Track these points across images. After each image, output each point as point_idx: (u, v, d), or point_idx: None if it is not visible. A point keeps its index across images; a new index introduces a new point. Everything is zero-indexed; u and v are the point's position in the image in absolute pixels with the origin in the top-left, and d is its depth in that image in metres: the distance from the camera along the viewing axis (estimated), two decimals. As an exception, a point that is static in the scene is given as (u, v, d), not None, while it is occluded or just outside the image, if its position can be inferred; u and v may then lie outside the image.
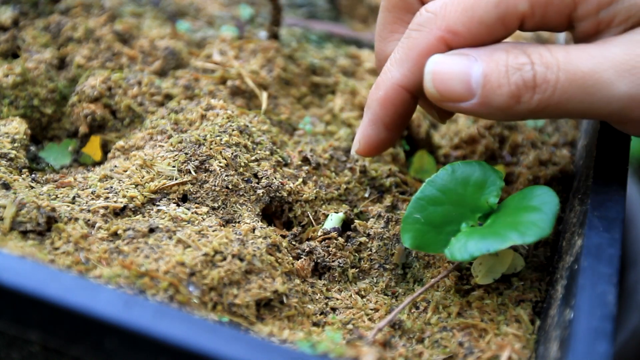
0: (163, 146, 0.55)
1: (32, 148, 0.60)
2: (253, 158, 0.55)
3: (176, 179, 0.53)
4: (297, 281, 0.50)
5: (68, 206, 0.50)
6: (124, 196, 0.51)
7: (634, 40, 0.45)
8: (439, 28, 0.47)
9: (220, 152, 0.54)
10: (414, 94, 0.50)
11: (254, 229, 0.50)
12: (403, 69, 0.49)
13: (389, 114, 0.50)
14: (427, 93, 0.47)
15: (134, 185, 0.52)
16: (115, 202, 0.51)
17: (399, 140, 0.63)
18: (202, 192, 0.53)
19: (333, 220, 0.54)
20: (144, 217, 0.50)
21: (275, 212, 0.55)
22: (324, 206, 0.56)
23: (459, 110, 0.47)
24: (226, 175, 0.53)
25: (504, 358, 0.45)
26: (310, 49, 0.71)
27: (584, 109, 0.45)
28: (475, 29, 0.46)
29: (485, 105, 0.46)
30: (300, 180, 0.56)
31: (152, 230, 0.49)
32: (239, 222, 0.52)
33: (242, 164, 0.54)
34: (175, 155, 0.54)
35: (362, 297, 0.51)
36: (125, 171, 0.53)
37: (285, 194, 0.55)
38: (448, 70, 0.46)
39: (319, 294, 0.51)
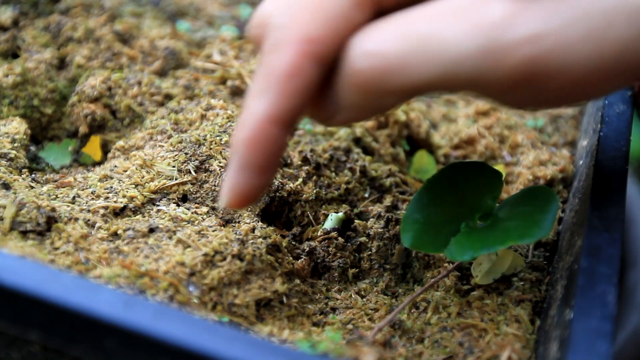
0: (163, 146, 0.55)
1: (32, 148, 0.60)
2: (253, 158, 0.55)
3: (176, 179, 0.53)
4: (297, 281, 0.50)
5: (68, 206, 0.50)
6: (124, 196, 0.51)
7: None
8: (294, 42, 0.40)
9: (220, 152, 0.54)
10: (286, 125, 0.41)
11: (254, 229, 0.51)
12: (268, 101, 0.40)
13: (259, 156, 0.41)
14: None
15: (134, 185, 0.52)
16: (115, 202, 0.51)
17: (399, 140, 0.63)
18: (202, 192, 0.53)
19: (333, 220, 0.54)
20: (144, 217, 0.50)
21: (275, 212, 0.55)
22: (324, 206, 0.56)
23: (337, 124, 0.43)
24: (226, 175, 0.53)
25: (504, 358, 0.45)
26: (310, 49, 0.71)
27: (437, 78, 0.38)
28: (334, 26, 0.40)
29: (350, 112, 0.41)
30: (300, 180, 0.56)
31: (152, 230, 0.49)
32: (239, 222, 0.52)
33: (242, 164, 0.54)
34: (175, 155, 0.54)
35: (362, 297, 0.51)
36: (125, 171, 0.53)
37: (285, 194, 0.55)
38: None
39: (319, 294, 0.51)
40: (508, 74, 0.37)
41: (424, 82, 0.38)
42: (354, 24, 0.40)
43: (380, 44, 0.38)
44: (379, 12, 0.41)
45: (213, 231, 0.49)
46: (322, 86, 0.42)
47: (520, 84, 0.38)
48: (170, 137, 0.56)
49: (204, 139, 0.54)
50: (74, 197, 0.51)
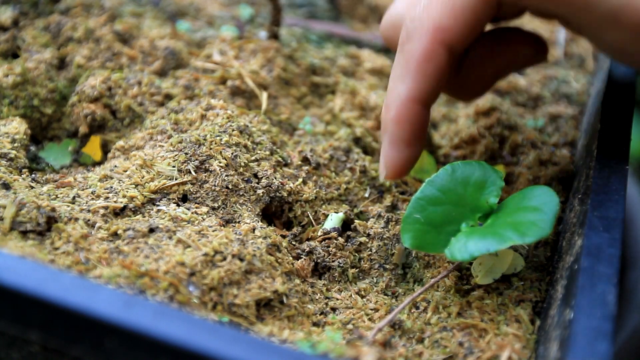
0: (163, 146, 0.55)
1: (32, 148, 0.60)
2: (253, 158, 0.55)
3: (176, 179, 0.53)
4: (297, 281, 0.50)
5: (68, 206, 0.50)
6: (124, 196, 0.51)
7: None
8: (427, 31, 0.47)
9: (220, 152, 0.54)
10: (426, 103, 0.49)
11: (254, 229, 0.50)
12: (407, 83, 0.49)
13: (407, 131, 0.50)
14: None
15: (134, 185, 0.52)
16: (115, 202, 0.51)
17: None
18: (202, 192, 0.53)
19: (333, 220, 0.54)
20: (144, 217, 0.50)
21: (275, 212, 0.55)
22: (324, 206, 0.56)
23: None
24: (226, 175, 0.53)
25: (504, 358, 0.45)
26: (310, 49, 0.71)
27: (578, 4, 0.44)
28: (461, 16, 0.47)
29: None
30: (300, 180, 0.56)
31: (152, 230, 0.49)
32: (239, 222, 0.52)
33: (242, 164, 0.54)
34: (175, 155, 0.54)
35: (362, 297, 0.51)
36: (125, 171, 0.53)
37: (285, 194, 0.55)
38: None
39: (319, 294, 0.51)
40: None
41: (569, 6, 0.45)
42: (483, 16, 0.47)
43: None
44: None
45: (213, 231, 0.49)
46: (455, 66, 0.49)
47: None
48: (170, 137, 0.56)
49: (204, 139, 0.54)
50: (74, 197, 0.51)
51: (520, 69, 0.58)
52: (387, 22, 0.54)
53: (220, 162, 0.53)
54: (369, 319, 0.49)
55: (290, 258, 0.52)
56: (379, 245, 0.54)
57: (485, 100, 0.66)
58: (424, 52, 0.48)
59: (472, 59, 0.54)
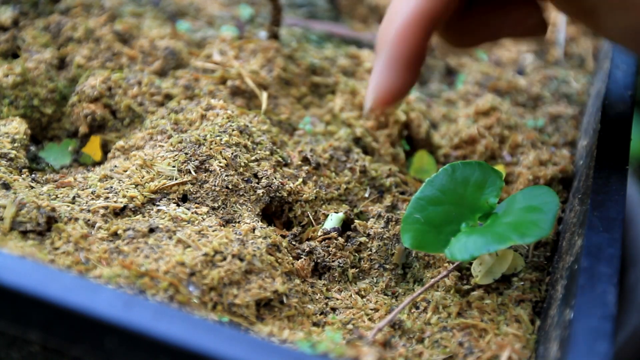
0: (163, 146, 0.55)
1: (32, 148, 0.60)
2: (253, 158, 0.55)
3: (176, 179, 0.53)
4: (297, 281, 0.50)
5: (68, 206, 0.50)
6: (124, 196, 0.51)
7: None
8: None
9: (220, 152, 0.54)
10: (432, 23, 0.45)
11: (254, 229, 0.50)
12: (412, 2, 0.44)
13: (406, 51, 0.45)
14: None
15: (134, 185, 0.52)
16: (115, 202, 0.51)
17: (399, 140, 0.63)
18: (202, 192, 0.53)
19: (333, 220, 0.54)
20: (144, 217, 0.50)
21: (275, 212, 0.55)
22: (324, 206, 0.56)
23: None
24: (226, 175, 0.53)
25: (504, 358, 0.45)
26: (310, 49, 0.71)
27: None
28: None
29: None
30: (300, 180, 0.56)
31: (152, 230, 0.49)
32: (239, 222, 0.52)
33: (242, 164, 0.54)
34: (175, 155, 0.54)
35: (362, 297, 0.51)
36: (125, 171, 0.53)
37: (285, 194, 0.55)
38: None
39: (319, 294, 0.51)
40: None
41: None
42: None
43: None
44: None
45: (213, 231, 0.49)
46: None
47: None
48: (170, 137, 0.56)
49: (204, 139, 0.54)
50: (74, 197, 0.51)
51: (518, 37, 0.54)
52: None
53: (220, 162, 0.53)
54: (369, 319, 0.49)
55: (290, 258, 0.52)
56: (379, 245, 0.54)
57: (485, 100, 0.66)
58: None
59: (478, 7, 0.51)
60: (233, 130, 0.56)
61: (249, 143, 0.56)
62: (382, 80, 0.45)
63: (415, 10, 0.44)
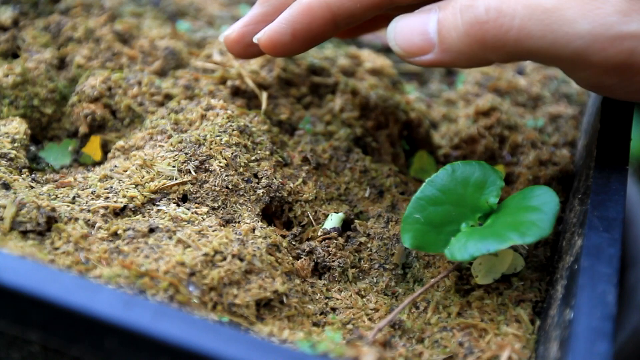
0: (163, 146, 0.55)
1: (32, 148, 0.60)
2: (253, 158, 0.55)
3: (176, 179, 0.53)
4: (297, 281, 0.50)
5: (68, 206, 0.50)
6: (124, 196, 0.51)
7: None
8: None
9: (220, 152, 0.54)
10: (338, 19, 0.49)
11: (254, 229, 0.50)
12: None
13: (305, 24, 0.49)
14: (394, 51, 0.48)
15: (134, 185, 0.52)
16: (115, 202, 0.51)
17: (399, 140, 0.63)
18: (202, 192, 0.53)
19: (333, 220, 0.54)
20: (144, 217, 0.50)
21: (275, 212, 0.55)
22: (324, 206, 0.56)
23: (426, 63, 0.47)
24: (226, 175, 0.53)
25: (504, 358, 0.45)
26: (310, 49, 0.71)
27: (545, 47, 0.44)
28: None
29: (446, 52, 0.45)
30: (300, 180, 0.56)
31: (152, 230, 0.49)
32: (239, 222, 0.52)
33: (242, 164, 0.54)
34: (175, 155, 0.54)
35: (362, 297, 0.51)
36: (125, 171, 0.53)
37: (285, 194, 0.55)
38: (408, 26, 0.47)
39: (319, 294, 0.51)
40: (608, 59, 0.43)
41: (534, 49, 0.44)
42: None
43: (508, 4, 0.44)
44: None
45: (213, 231, 0.49)
46: (412, 19, 0.47)
47: (614, 71, 0.44)
48: (170, 137, 0.56)
49: (204, 139, 0.54)
50: (74, 197, 0.51)
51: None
52: None
53: (220, 162, 0.53)
54: (369, 319, 0.49)
55: (290, 258, 0.52)
56: (379, 245, 0.54)
57: (485, 100, 0.66)
58: None
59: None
60: (233, 130, 0.56)
61: (249, 143, 0.56)
62: (275, 29, 0.50)
63: (327, 1, 0.48)
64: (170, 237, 0.48)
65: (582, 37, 0.43)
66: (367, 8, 0.49)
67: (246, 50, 0.53)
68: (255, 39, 0.52)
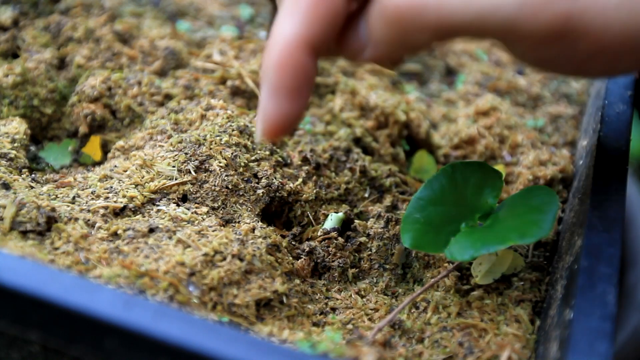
0: (163, 146, 0.55)
1: (32, 148, 0.60)
2: (253, 158, 0.55)
3: (176, 179, 0.53)
4: (297, 281, 0.50)
5: (68, 206, 0.50)
6: (124, 196, 0.51)
7: None
8: None
9: (220, 152, 0.54)
10: (314, 49, 0.42)
11: (254, 229, 0.50)
12: (295, 22, 0.41)
13: (289, 79, 0.42)
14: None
15: (134, 185, 0.52)
16: (115, 202, 0.51)
17: (399, 140, 0.63)
18: (202, 192, 0.53)
19: (333, 220, 0.54)
20: (144, 217, 0.50)
21: (275, 212, 0.55)
22: (324, 206, 0.56)
23: (367, 60, 0.44)
24: (226, 175, 0.53)
25: (504, 358, 0.45)
26: (310, 49, 0.71)
27: (469, 20, 0.39)
28: None
29: (376, 46, 0.42)
30: (300, 180, 0.56)
31: (152, 230, 0.49)
32: (239, 222, 0.52)
33: (242, 164, 0.54)
34: (175, 155, 0.54)
35: (362, 297, 0.51)
36: (125, 171, 0.53)
37: (285, 194, 0.55)
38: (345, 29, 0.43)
39: (319, 294, 0.51)
40: (542, 26, 0.39)
41: (458, 23, 0.39)
42: None
43: None
44: None
45: (213, 231, 0.49)
46: (351, 21, 0.43)
47: (552, 39, 0.39)
48: (170, 137, 0.56)
49: (204, 139, 0.54)
50: (74, 197, 0.51)
51: None
52: None
53: (220, 162, 0.53)
54: (369, 319, 0.49)
55: (290, 258, 0.52)
56: (379, 245, 0.54)
57: (485, 100, 0.66)
58: None
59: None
60: (233, 130, 0.56)
61: (248, 143, 0.56)
62: (267, 111, 0.43)
63: (296, 37, 0.41)
64: (170, 237, 0.48)
65: (507, 8, 0.38)
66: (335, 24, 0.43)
67: (283, 131, 0.44)
68: (258, 139, 0.45)
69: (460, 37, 0.42)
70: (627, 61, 0.41)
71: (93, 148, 0.59)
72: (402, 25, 0.40)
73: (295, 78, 0.42)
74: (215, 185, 0.53)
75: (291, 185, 0.55)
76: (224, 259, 0.47)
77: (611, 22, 0.39)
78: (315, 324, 0.49)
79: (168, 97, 0.61)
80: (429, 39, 0.41)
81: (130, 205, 0.51)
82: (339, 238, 0.53)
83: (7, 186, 0.51)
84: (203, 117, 0.57)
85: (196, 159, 0.53)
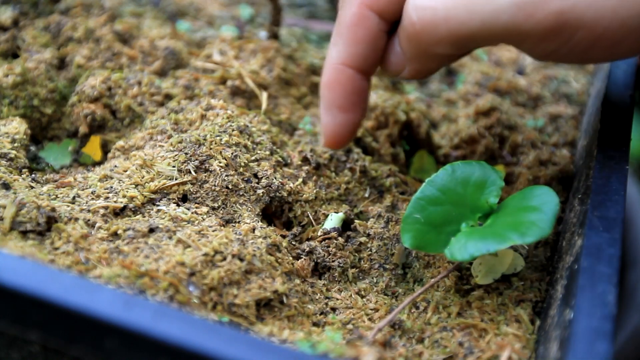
0: (163, 146, 0.55)
1: (32, 148, 0.60)
2: (253, 158, 0.55)
3: (176, 179, 0.53)
4: (297, 281, 0.50)
5: (68, 206, 0.50)
6: (124, 196, 0.51)
7: None
8: None
9: (220, 152, 0.54)
10: (359, 68, 0.50)
11: (254, 229, 0.50)
12: (339, 47, 0.49)
13: (339, 95, 0.50)
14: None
15: (134, 185, 0.52)
16: (115, 202, 0.51)
17: (399, 140, 0.63)
18: (202, 192, 0.53)
19: (333, 220, 0.54)
20: (144, 217, 0.50)
21: (275, 212, 0.55)
22: (324, 206, 0.56)
23: (407, 77, 0.50)
24: (226, 175, 0.53)
25: (504, 358, 0.45)
26: (310, 49, 0.71)
27: (477, 29, 0.44)
28: None
29: (411, 63, 0.48)
30: (300, 180, 0.56)
31: (152, 230, 0.49)
32: (239, 222, 0.52)
33: (242, 164, 0.54)
34: (175, 155, 0.54)
35: (362, 297, 0.51)
36: (125, 171, 0.53)
37: (285, 194, 0.55)
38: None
39: (319, 294, 0.51)
40: (539, 24, 0.43)
41: (467, 33, 0.44)
42: None
43: (429, 0, 0.45)
44: None
45: (213, 231, 0.49)
46: (390, 43, 0.49)
47: (550, 35, 0.43)
48: (170, 137, 0.56)
49: (204, 139, 0.54)
50: (74, 197, 0.51)
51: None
52: None
53: (220, 162, 0.53)
54: (369, 319, 0.49)
55: (290, 258, 0.52)
56: (379, 245, 0.54)
57: (485, 100, 0.66)
58: (353, 17, 0.48)
59: None
60: (233, 130, 0.56)
61: (249, 143, 0.56)
62: (325, 124, 0.50)
63: (339, 59, 0.49)
64: (170, 237, 0.48)
65: (506, 10, 0.43)
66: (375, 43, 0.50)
67: (344, 141, 0.53)
68: (322, 145, 0.53)
69: (476, 45, 0.47)
70: (627, 45, 0.44)
71: (93, 148, 0.59)
72: (422, 41, 0.46)
73: (343, 95, 0.49)
74: (215, 185, 0.53)
75: (291, 185, 0.55)
76: (224, 259, 0.47)
77: (602, 13, 0.42)
78: (315, 324, 0.49)
79: (168, 97, 0.61)
80: (449, 49, 0.46)
81: (130, 205, 0.51)
82: (339, 238, 0.53)
83: (7, 186, 0.51)
84: (203, 117, 0.57)
85: (196, 159, 0.53)
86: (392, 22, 0.49)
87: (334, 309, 0.50)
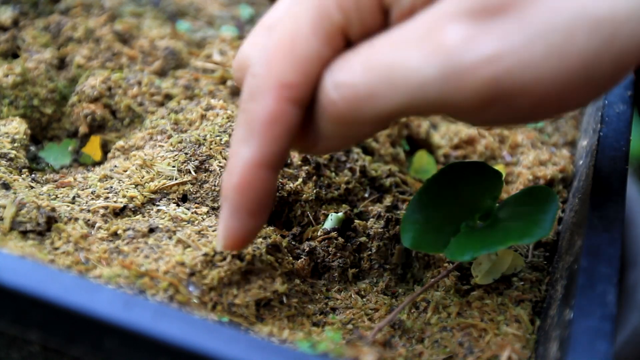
0: (163, 146, 0.55)
1: (32, 148, 0.60)
2: (253, 158, 0.55)
3: (176, 179, 0.53)
4: (297, 281, 0.50)
5: (68, 206, 0.50)
6: (124, 196, 0.51)
7: (436, 8, 0.37)
8: (271, 88, 0.40)
9: (220, 152, 0.54)
10: (274, 167, 0.43)
11: (254, 229, 0.50)
12: (253, 147, 0.42)
13: (251, 200, 0.43)
14: None
15: (134, 185, 0.52)
16: (115, 202, 0.51)
17: (399, 140, 0.63)
18: (202, 192, 0.53)
19: (333, 220, 0.54)
20: (144, 217, 0.50)
21: (275, 212, 0.55)
22: (324, 206, 0.56)
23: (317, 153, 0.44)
24: (226, 175, 0.53)
25: (503, 358, 0.45)
26: (310, 49, 0.71)
27: (406, 106, 0.38)
28: (307, 68, 0.40)
29: (324, 141, 0.43)
30: (300, 180, 0.56)
31: (152, 230, 0.49)
32: (239, 222, 0.52)
33: (242, 164, 0.54)
34: (175, 155, 0.54)
35: (362, 297, 0.51)
36: (125, 171, 0.53)
37: (285, 194, 0.55)
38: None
39: (319, 294, 0.51)
40: (471, 95, 0.37)
41: (393, 109, 0.38)
42: (326, 61, 0.40)
43: (349, 76, 0.39)
44: (348, 44, 0.41)
45: (213, 231, 0.49)
46: (303, 119, 0.42)
47: (486, 104, 0.37)
48: (170, 137, 0.56)
49: (204, 139, 0.54)
50: (74, 197, 0.51)
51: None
52: (237, 64, 0.46)
53: (220, 162, 0.53)
54: (369, 319, 0.49)
55: (290, 258, 0.52)
56: (379, 245, 0.54)
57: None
58: (270, 114, 0.41)
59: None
60: (233, 130, 0.56)
61: (249, 143, 0.56)
62: (229, 228, 0.44)
63: (254, 160, 0.42)
64: (170, 237, 0.48)
65: (432, 85, 0.37)
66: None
67: (246, 243, 0.46)
68: (219, 248, 0.46)
69: (408, 116, 0.41)
70: (582, 96, 0.39)
71: (93, 148, 0.59)
72: (344, 122, 0.40)
73: (255, 199, 0.43)
74: (215, 185, 0.53)
75: (291, 185, 0.55)
76: (224, 259, 0.47)
77: (542, 73, 0.37)
78: (315, 324, 0.49)
79: (168, 97, 0.61)
80: (374, 127, 0.41)
81: (130, 205, 0.51)
82: (339, 238, 0.53)
83: (7, 186, 0.51)
84: (203, 117, 0.57)
85: (196, 159, 0.53)
86: (307, 106, 0.42)
87: (333, 309, 0.50)
